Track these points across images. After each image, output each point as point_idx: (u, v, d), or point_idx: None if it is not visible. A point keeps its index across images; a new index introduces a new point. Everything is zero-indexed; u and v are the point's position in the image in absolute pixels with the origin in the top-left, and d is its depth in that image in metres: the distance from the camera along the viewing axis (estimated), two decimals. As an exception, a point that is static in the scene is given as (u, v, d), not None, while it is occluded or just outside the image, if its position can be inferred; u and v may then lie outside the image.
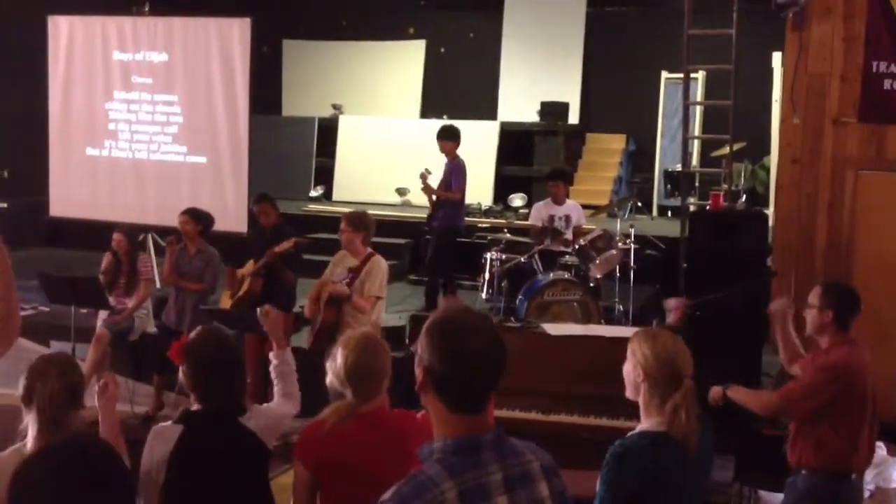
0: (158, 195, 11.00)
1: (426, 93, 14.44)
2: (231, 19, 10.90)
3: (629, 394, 3.08)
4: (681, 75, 9.21)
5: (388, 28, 14.55)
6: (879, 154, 7.26)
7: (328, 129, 13.79)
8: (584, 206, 9.02)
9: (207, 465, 3.18)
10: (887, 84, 7.17)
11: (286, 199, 12.57)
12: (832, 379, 4.07)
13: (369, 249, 6.44)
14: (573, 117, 13.34)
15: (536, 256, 8.07)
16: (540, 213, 8.52)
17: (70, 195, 11.71)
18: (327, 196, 13.32)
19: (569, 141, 13.13)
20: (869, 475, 5.19)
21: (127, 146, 11.44)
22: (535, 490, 2.17)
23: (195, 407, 3.29)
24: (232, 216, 10.69)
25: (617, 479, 2.91)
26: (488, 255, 8.32)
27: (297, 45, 15.20)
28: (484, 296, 8.37)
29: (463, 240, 10.58)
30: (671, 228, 10.36)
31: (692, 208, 9.31)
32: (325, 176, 13.55)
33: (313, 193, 13.41)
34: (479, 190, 12.54)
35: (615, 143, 13.50)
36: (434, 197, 9.11)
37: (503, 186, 12.74)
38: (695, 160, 11.52)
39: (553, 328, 5.73)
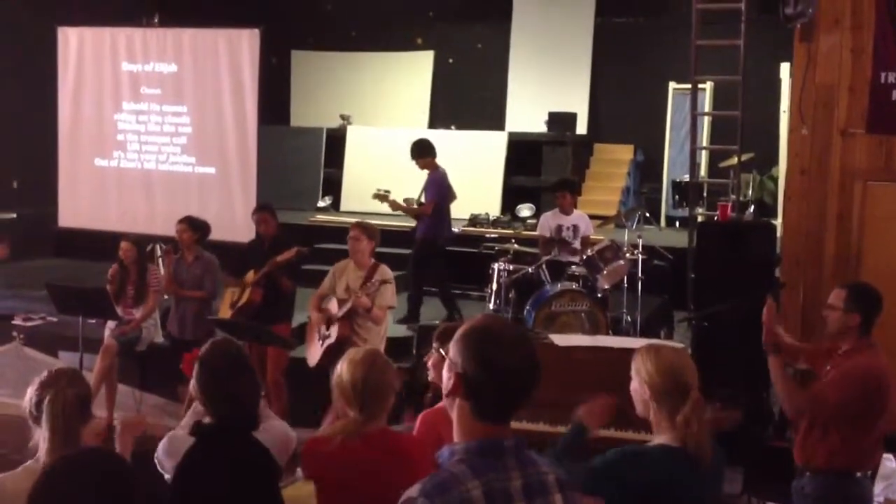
0: (167, 206, 11.03)
1: (434, 103, 14.46)
2: (240, 30, 10.95)
3: (639, 411, 3.09)
4: (689, 86, 9.22)
5: (396, 39, 14.58)
6: (888, 165, 7.25)
7: (336, 140, 13.81)
8: (592, 217, 9.01)
9: (216, 479, 3.16)
10: (895, 95, 7.16)
11: (294, 209, 12.61)
12: (863, 390, 4.06)
13: (373, 260, 6.43)
14: (581, 128, 13.33)
15: (544, 267, 8.06)
16: (548, 223, 8.51)
17: (79, 206, 11.76)
18: (335, 206, 13.34)
19: (577, 151, 13.12)
20: (878, 487, 5.17)
21: (136, 157, 11.49)
22: (551, 501, 2.19)
23: (207, 419, 3.25)
24: (240, 226, 10.70)
25: (616, 463, 2.96)
26: (496, 266, 8.32)
27: (306, 56, 15.24)
28: (491, 306, 8.36)
29: (468, 250, 10.59)
30: (679, 239, 10.34)
31: (700, 219, 9.29)
32: (333, 186, 13.57)
33: (321, 204, 13.42)
34: (487, 200, 12.55)
35: (623, 154, 13.49)
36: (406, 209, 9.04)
37: (511, 197, 12.74)
38: (703, 171, 11.51)
39: (561, 339, 5.72)
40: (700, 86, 9.81)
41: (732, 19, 8.54)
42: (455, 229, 11.53)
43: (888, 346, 4.33)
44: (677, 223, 12.48)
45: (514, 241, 9.13)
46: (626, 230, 9.23)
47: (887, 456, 5.17)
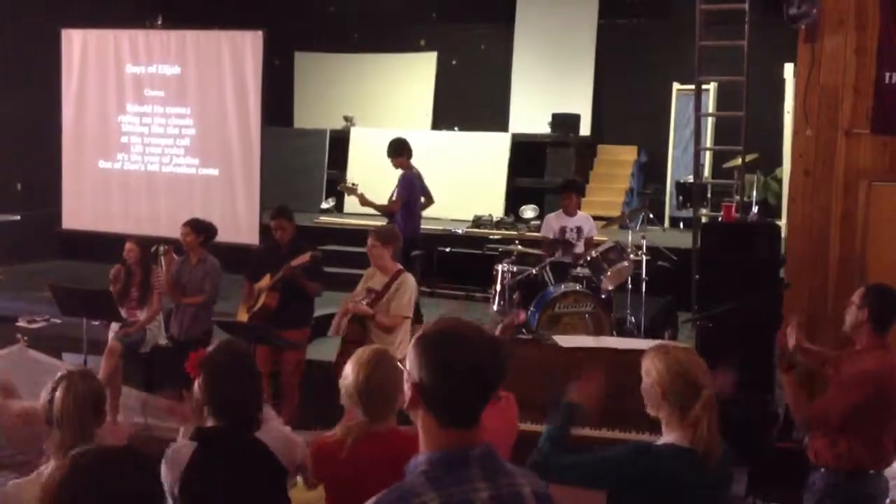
0: (171, 207, 11.04)
1: (437, 105, 14.47)
2: (243, 32, 10.96)
3: (650, 411, 3.09)
4: (692, 87, 9.20)
5: (399, 40, 14.59)
6: (892, 165, 7.23)
7: (340, 141, 13.82)
8: (596, 218, 9.00)
9: (221, 482, 3.14)
10: (900, 95, 7.14)
11: (297, 210, 12.50)
12: (875, 392, 4.07)
13: (398, 265, 6.36)
14: (585, 129, 13.33)
15: (548, 268, 8.05)
16: (551, 224, 8.50)
17: (83, 208, 11.77)
18: (339, 208, 13.34)
19: (580, 153, 13.12)
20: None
21: (139, 159, 11.50)
22: None
23: (209, 423, 3.24)
24: (243, 228, 10.74)
25: (623, 459, 2.96)
26: (499, 267, 8.30)
27: (309, 58, 15.25)
28: (495, 307, 8.35)
29: (472, 251, 10.60)
30: (683, 240, 10.33)
31: (704, 220, 9.29)
32: (337, 188, 13.55)
33: (324, 205, 13.43)
34: (491, 202, 12.55)
35: (627, 155, 13.48)
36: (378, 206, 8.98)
37: (515, 198, 12.74)
38: (707, 171, 11.50)
39: (564, 340, 5.71)
40: (704, 86, 9.81)
41: (736, 20, 8.53)
42: (459, 230, 11.56)
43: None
44: (681, 224, 12.47)
45: (517, 242, 9.11)
46: (630, 231, 9.22)
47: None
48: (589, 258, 7.96)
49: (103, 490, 1.98)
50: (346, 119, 14.20)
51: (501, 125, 13.68)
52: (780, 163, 11.53)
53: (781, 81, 11.23)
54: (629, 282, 8.26)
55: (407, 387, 2.09)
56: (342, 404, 3.35)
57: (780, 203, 11.29)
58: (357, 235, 9.53)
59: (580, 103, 13.39)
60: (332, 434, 3.30)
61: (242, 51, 10.89)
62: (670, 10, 12.97)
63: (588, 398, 3.30)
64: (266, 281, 7.06)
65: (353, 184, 9.05)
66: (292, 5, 14.10)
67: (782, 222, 9.23)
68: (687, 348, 3.09)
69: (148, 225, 10.77)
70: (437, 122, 14.35)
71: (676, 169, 12.88)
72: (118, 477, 2.00)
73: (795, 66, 8.54)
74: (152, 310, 7.46)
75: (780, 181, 11.58)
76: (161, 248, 7.36)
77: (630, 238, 8.68)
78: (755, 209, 9.86)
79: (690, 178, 10.48)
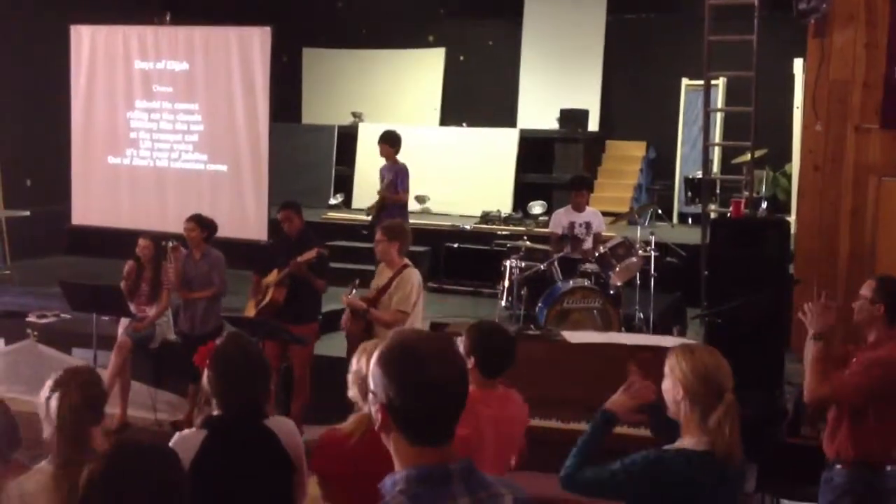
0: (179, 203, 11.04)
1: (446, 101, 14.45)
2: (251, 28, 10.96)
3: (670, 411, 3.07)
4: (701, 82, 9.19)
5: (407, 36, 14.58)
6: (902, 161, 7.22)
7: (348, 137, 13.82)
8: (604, 214, 8.99)
9: (231, 470, 3.16)
10: (910, 90, 7.12)
11: (305, 206, 12.52)
12: (883, 374, 4.06)
13: (405, 260, 6.31)
14: (593, 124, 13.30)
15: (556, 264, 8.05)
16: (560, 220, 8.49)
17: (92, 203, 11.80)
18: (347, 204, 13.35)
19: (589, 148, 13.10)
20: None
21: (148, 154, 11.52)
22: None
23: (216, 412, 3.26)
24: (252, 224, 10.75)
25: (638, 471, 2.93)
26: (508, 263, 8.31)
27: (317, 54, 15.25)
28: (503, 303, 8.36)
29: (480, 247, 10.59)
30: (692, 236, 10.31)
31: (713, 215, 9.27)
32: (345, 183, 13.58)
33: (333, 201, 13.43)
34: (499, 197, 12.54)
35: (635, 151, 13.45)
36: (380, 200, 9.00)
37: (523, 194, 12.72)
38: (715, 167, 11.47)
39: (573, 336, 5.71)
40: (713, 82, 9.78)
41: (745, 15, 8.50)
42: (467, 226, 11.57)
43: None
44: (690, 220, 12.45)
45: (525, 238, 9.11)
46: (639, 227, 9.21)
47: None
48: (597, 254, 7.96)
49: (139, 484, 2.00)
50: (355, 115, 14.20)
51: (509, 121, 13.67)
52: (789, 158, 11.50)
53: (791, 77, 11.20)
54: (638, 278, 8.25)
55: (374, 409, 2.00)
56: (349, 397, 3.36)
57: (789, 199, 11.26)
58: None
59: (588, 99, 13.37)
60: (342, 427, 3.30)
61: (250, 47, 10.89)
62: (679, 5, 12.93)
63: (625, 409, 3.25)
64: (274, 276, 7.08)
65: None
66: (300, 1, 14.11)
67: (791, 218, 9.21)
68: (712, 350, 3.04)
69: (157, 221, 10.78)
70: (445, 118, 14.34)
71: (685, 165, 12.85)
72: (152, 471, 2.02)
73: (805, 61, 8.52)
74: (162, 305, 7.50)
75: (789, 177, 11.54)
76: (169, 244, 7.39)
77: (639, 234, 8.67)
78: (764, 205, 9.86)
79: (699, 174, 10.47)
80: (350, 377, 3.32)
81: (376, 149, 9.23)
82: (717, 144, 11.14)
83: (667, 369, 3.05)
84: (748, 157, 8.96)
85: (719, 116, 11.71)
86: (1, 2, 11.24)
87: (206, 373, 3.25)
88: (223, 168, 11.17)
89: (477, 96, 14.00)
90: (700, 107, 9.94)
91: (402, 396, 1.92)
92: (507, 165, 12.88)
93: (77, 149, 11.74)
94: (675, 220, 12.74)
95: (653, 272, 8.32)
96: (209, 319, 7.29)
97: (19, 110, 11.45)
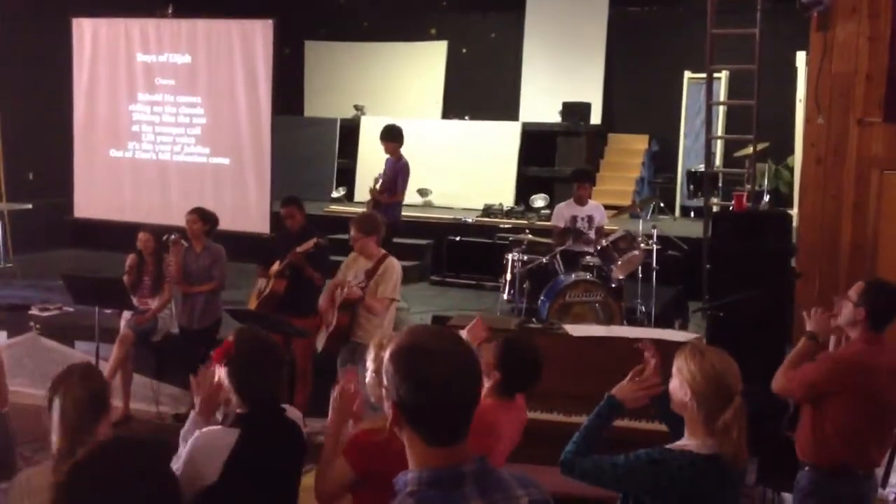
0: (182, 196, 11.06)
1: (448, 93, 14.44)
2: (253, 21, 10.95)
3: (674, 409, 3.06)
4: (704, 75, 9.17)
5: (409, 29, 14.57)
6: (905, 154, 7.20)
7: (350, 130, 13.82)
8: (607, 207, 8.99)
9: (266, 465, 3.19)
10: (913, 83, 7.11)
11: (308, 199, 12.53)
12: (830, 371, 4.04)
13: (383, 251, 6.40)
14: (595, 118, 13.29)
15: (558, 257, 8.05)
16: (562, 213, 8.48)
17: (94, 197, 11.81)
18: (349, 197, 13.35)
19: (591, 141, 13.09)
20: (894, 477, 5.14)
21: (150, 148, 11.53)
22: None
23: (240, 410, 3.25)
24: (254, 217, 10.76)
25: (639, 470, 2.93)
26: (510, 256, 8.31)
27: (320, 47, 15.24)
28: (505, 297, 8.36)
29: (482, 240, 10.59)
30: (694, 229, 10.31)
31: (715, 209, 9.26)
32: (347, 177, 13.58)
33: (335, 194, 13.44)
34: (501, 191, 12.54)
35: (637, 144, 13.45)
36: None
37: (525, 187, 12.72)
38: (718, 160, 11.46)
39: (575, 329, 5.72)
40: (715, 75, 9.77)
41: (748, 8, 8.48)
42: (469, 219, 11.57)
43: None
44: (692, 213, 12.45)
45: (528, 231, 9.11)
46: (641, 220, 9.20)
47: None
48: (600, 247, 7.96)
49: (111, 480, 1.99)
50: (357, 108, 14.20)
51: (512, 114, 13.66)
52: (791, 151, 11.49)
53: (793, 70, 11.18)
54: (640, 271, 8.25)
55: (387, 405, 1.99)
56: (366, 394, 3.37)
57: (791, 192, 11.25)
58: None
59: (591, 92, 13.35)
60: (372, 424, 3.29)
61: (253, 40, 10.89)
62: (682, -3, 12.92)
63: (631, 396, 3.22)
64: (275, 268, 7.13)
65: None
66: (303, -6, 14.10)
67: (794, 211, 9.20)
68: (722, 353, 3.01)
69: (159, 214, 10.80)
70: (447, 111, 14.33)
71: (687, 158, 12.85)
72: (125, 466, 2.02)
73: (807, 54, 8.50)
74: (164, 298, 7.50)
75: (791, 170, 11.54)
76: (171, 238, 7.40)
77: (641, 227, 8.67)
78: (766, 198, 9.86)
79: (701, 167, 10.45)
80: (367, 370, 3.33)
81: (379, 142, 9.22)
82: (720, 137, 11.13)
83: (675, 369, 3.03)
84: (750, 150, 8.95)
85: (722, 109, 11.69)
86: (3, -5, 11.25)
87: (224, 370, 3.24)
88: (225, 161, 11.18)
89: (479, 89, 13.99)
90: (702, 100, 9.91)
91: (413, 395, 1.91)
92: (510, 158, 12.88)
93: (79, 142, 11.75)
94: (677, 213, 12.74)
95: (655, 265, 8.32)
96: (209, 313, 7.31)
97: (21, 103, 11.45)
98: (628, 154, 13.41)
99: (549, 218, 9.65)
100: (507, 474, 2.07)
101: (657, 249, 8.40)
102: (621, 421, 4.86)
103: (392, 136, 9.03)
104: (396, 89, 14.52)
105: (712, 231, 7.89)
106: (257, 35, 10.87)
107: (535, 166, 12.92)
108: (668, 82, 12.87)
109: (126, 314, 7.46)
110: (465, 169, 12.81)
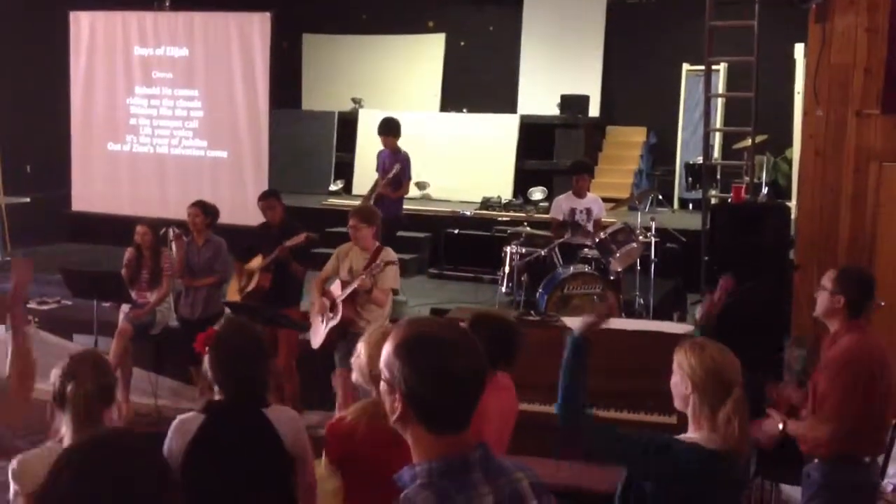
0: (179, 189, 11.05)
1: (446, 86, 14.43)
2: (251, 14, 10.94)
3: (678, 405, 3.08)
4: (702, 67, 9.16)
5: (407, 22, 14.54)
6: (903, 146, 7.20)
7: (348, 123, 13.81)
8: (605, 200, 8.98)
9: (227, 455, 3.17)
10: (911, 75, 7.10)
11: (306, 193, 12.62)
12: (857, 373, 4.02)
13: (377, 242, 6.40)
14: (594, 110, 13.28)
15: (556, 250, 8.05)
16: (561, 206, 8.48)
17: (92, 190, 11.81)
18: (347, 190, 13.35)
19: (589, 134, 13.08)
20: (893, 468, 5.15)
21: (148, 141, 11.52)
22: None
23: (218, 397, 3.27)
24: (252, 210, 10.60)
25: (645, 456, 2.95)
26: (508, 249, 8.31)
27: (317, 40, 15.22)
28: (504, 289, 8.36)
29: (481, 233, 10.59)
30: (692, 221, 10.31)
31: (714, 201, 9.26)
32: (345, 170, 13.57)
33: (333, 187, 13.43)
34: (499, 183, 12.53)
35: (636, 136, 13.44)
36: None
37: (523, 180, 12.72)
38: (716, 153, 11.46)
39: (573, 322, 5.70)
40: (714, 67, 9.75)
41: (746, 0, 8.47)
42: (467, 212, 11.57)
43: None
44: (690, 206, 12.44)
45: (526, 224, 9.11)
46: (639, 213, 9.20)
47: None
48: (598, 240, 7.96)
49: (98, 476, 1.98)
50: (355, 101, 14.18)
51: (510, 107, 13.65)
52: (790, 144, 11.49)
53: (792, 62, 11.17)
54: (638, 263, 8.26)
55: (391, 399, 1.97)
56: (357, 387, 3.37)
57: (789, 184, 11.25)
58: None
59: (589, 84, 13.34)
60: (343, 415, 3.31)
61: (250, 33, 10.87)
62: (680, -11, 12.89)
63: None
64: (258, 261, 7.13)
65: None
66: (300, -13, 14.07)
67: (792, 203, 9.20)
68: (721, 346, 3.05)
69: (157, 207, 10.79)
70: (445, 103, 14.32)
71: (686, 150, 12.84)
72: (115, 462, 2.00)
73: (806, 46, 8.49)
74: (162, 292, 7.49)
75: (790, 162, 11.53)
76: (172, 231, 7.40)
77: (639, 220, 8.67)
78: (765, 190, 9.86)
79: (700, 160, 10.45)
80: (353, 362, 3.32)
81: (376, 135, 9.22)
82: (718, 130, 11.12)
83: (675, 365, 3.06)
84: (749, 142, 8.94)
85: (720, 102, 11.68)
86: (0, -12, 11.22)
87: (206, 358, 3.26)
88: (223, 154, 11.17)
89: (477, 82, 13.98)
90: (701, 92, 9.92)
91: (424, 386, 1.91)
92: (508, 151, 12.87)
93: (77, 135, 11.74)
94: (675, 205, 12.74)
95: (653, 258, 8.33)
96: (210, 306, 7.31)
97: (19, 97, 11.43)
98: (627, 146, 13.41)
99: (547, 211, 9.66)
100: (505, 460, 2.11)
101: (655, 242, 8.40)
102: (621, 414, 4.88)
103: (390, 130, 9.03)
104: (394, 82, 14.51)
105: (711, 223, 7.89)
106: (255, 28, 10.85)
107: (533, 159, 12.91)
108: (667, 74, 12.86)
109: (124, 308, 7.45)
110: (464, 162, 12.80)
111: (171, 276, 7.52)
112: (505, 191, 12.44)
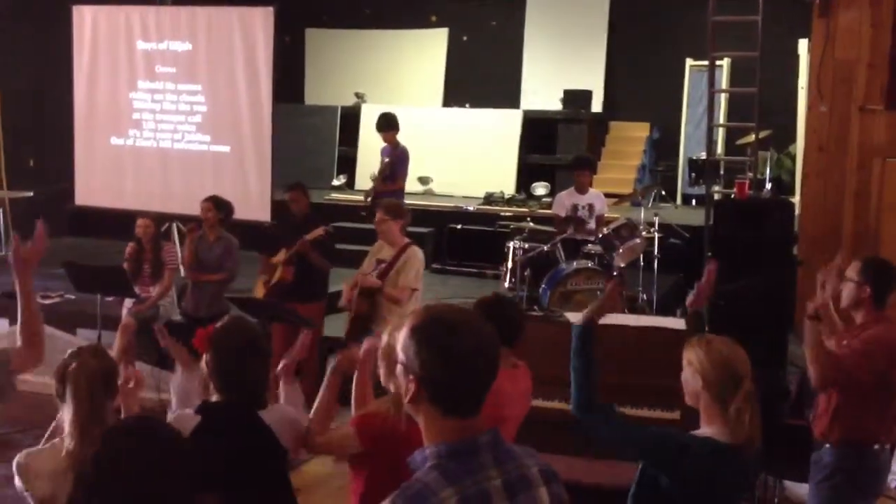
0: (182, 184, 11.05)
1: (449, 81, 14.41)
2: (254, 8, 10.91)
3: (689, 401, 3.10)
4: (706, 62, 9.16)
5: (410, 16, 14.52)
6: (907, 142, 7.19)
7: (351, 118, 13.81)
8: (608, 195, 8.98)
9: (220, 457, 3.10)
10: (915, 71, 7.09)
11: (309, 187, 12.51)
12: (883, 349, 4.04)
13: (407, 239, 6.38)
14: (597, 105, 13.27)
15: (559, 245, 8.05)
16: (563, 202, 8.48)
17: (95, 184, 11.79)
18: (350, 185, 13.35)
19: (592, 129, 13.07)
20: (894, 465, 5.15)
21: (151, 135, 11.50)
22: (535, 496, 2.07)
23: (215, 398, 3.24)
24: (255, 205, 10.72)
25: (662, 452, 2.98)
26: (511, 244, 8.30)
27: (320, 34, 15.20)
28: (506, 285, 8.36)
29: (483, 228, 10.60)
30: (695, 217, 10.30)
31: (717, 197, 9.25)
32: (348, 165, 13.57)
33: (336, 182, 13.43)
34: (502, 179, 12.53)
35: (639, 132, 13.42)
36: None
37: (526, 175, 12.71)
38: (719, 148, 11.44)
39: (576, 317, 5.70)
40: (717, 62, 9.75)
41: (750, -5, 8.46)
42: (470, 207, 11.57)
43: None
44: (693, 201, 12.43)
45: (529, 219, 9.11)
46: (642, 208, 9.20)
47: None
48: (601, 235, 7.96)
49: (136, 462, 2.00)
50: (358, 96, 14.17)
51: (513, 102, 13.63)
52: (793, 139, 11.48)
53: (795, 57, 11.16)
54: (641, 259, 8.26)
55: (406, 381, 2.01)
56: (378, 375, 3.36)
57: (793, 180, 11.24)
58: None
59: (592, 79, 13.32)
60: (375, 406, 3.30)
61: (253, 27, 10.85)
62: (683, -16, 12.87)
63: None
64: (282, 255, 7.12)
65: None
66: (303, -19, 14.05)
67: (796, 199, 9.20)
68: (728, 339, 3.07)
69: (160, 201, 10.78)
70: (448, 98, 14.31)
71: (689, 145, 12.82)
72: (150, 448, 2.03)
73: (810, 41, 8.48)
74: (164, 286, 7.49)
75: (793, 158, 11.52)
76: (182, 227, 7.38)
77: (642, 215, 8.67)
78: (768, 186, 9.83)
79: (703, 155, 10.44)
80: (379, 353, 3.30)
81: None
82: (722, 125, 11.10)
83: (685, 361, 3.08)
84: (752, 137, 8.94)
85: (723, 97, 11.67)
86: (3, -18, 11.21)
87: (204, 357, 3.23)
88: (226, 149, 11.16)
89: (480, 77, 13.96)
90: (704, 87, 9.90)
91: (439, 367, 1.96)
92: (511, 146, 12.86)
93: (80, 130, 11.72)
94: (678, 201, 12.73)
95: (656, 253, 8.33)
96: (215, 303, 7.28)
97: (22, 92, 11.42)
98: (629, 142, 13.40)
99: (550, 206, 9.65)
100: (515, 446, 2.14)
101: (658, 237, 8.41)
102: (624, 409, 4.88)
103: (388, 125, 9.02)
104: (397, 77, 14.50)
105: (714, 219, 7.88)
106: (258, 23, 10.82)
107: (536, 154, 12.90)
108: (670, 70, 12.84)
109: (128, 302, 7.46)
110: (466, 157, 12.80)
111: (173, 270, 7.52)
112: (508, 186, 12.44)
